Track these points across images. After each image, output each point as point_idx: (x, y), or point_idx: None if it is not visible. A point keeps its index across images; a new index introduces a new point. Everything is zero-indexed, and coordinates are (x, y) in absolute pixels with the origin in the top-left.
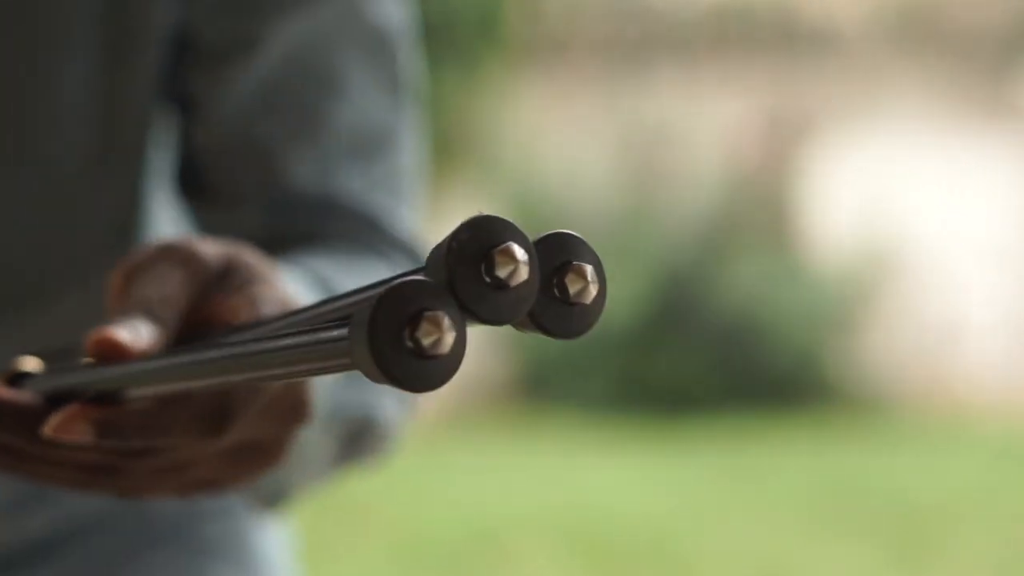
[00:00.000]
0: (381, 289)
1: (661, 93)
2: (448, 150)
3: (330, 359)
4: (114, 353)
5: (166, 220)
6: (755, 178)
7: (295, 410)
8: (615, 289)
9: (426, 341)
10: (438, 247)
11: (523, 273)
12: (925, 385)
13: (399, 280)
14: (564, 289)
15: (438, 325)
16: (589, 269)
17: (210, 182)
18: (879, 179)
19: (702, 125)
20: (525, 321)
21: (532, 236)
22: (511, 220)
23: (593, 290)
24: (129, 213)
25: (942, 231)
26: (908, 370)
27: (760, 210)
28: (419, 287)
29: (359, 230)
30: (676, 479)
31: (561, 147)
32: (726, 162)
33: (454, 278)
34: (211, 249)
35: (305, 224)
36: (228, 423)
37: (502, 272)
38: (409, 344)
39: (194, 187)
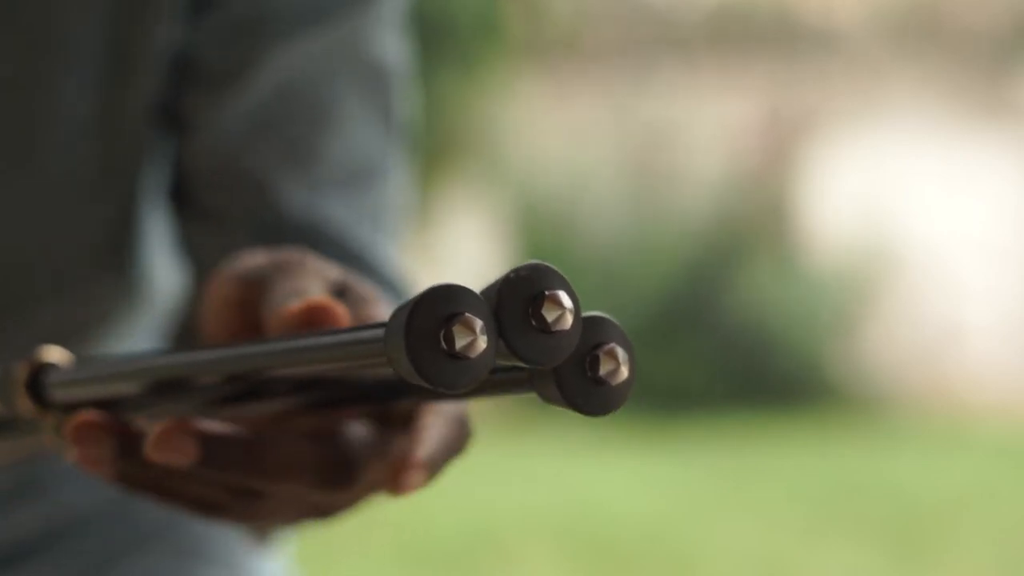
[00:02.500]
0: (426, 289)
1: (661, 93)
2: (448, 150)
3: (366, 356)
4: (325, 320)
5: (158, 236)
6: (756, 178)
7: (460, 437)
8: (616, 293)
9: (459, 342)
10: (494, 282)
11: (567, 321)
12: (925, 385)
13: (445, 282)
14: (596, 367)
15: (472, 328)
16: (622, 352)
17: (199, 202)
18: (879, 179)
19: (702, 125)
20: (552, 390)
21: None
22: (565, 275)
23: (624, 373)
24: (123, 227)
25: (942, 231)
26: (908, 370)
27: (761, 210)
28: (463, 292)
29: (345, 261)
30: (677, 479)
31: (562, 147)
32: (727, 162)
33: (502, 305)
34: (329, 265)
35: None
36: (352, 475)
37: (549, 315)
38: (443, 344)
39: (184, 205)
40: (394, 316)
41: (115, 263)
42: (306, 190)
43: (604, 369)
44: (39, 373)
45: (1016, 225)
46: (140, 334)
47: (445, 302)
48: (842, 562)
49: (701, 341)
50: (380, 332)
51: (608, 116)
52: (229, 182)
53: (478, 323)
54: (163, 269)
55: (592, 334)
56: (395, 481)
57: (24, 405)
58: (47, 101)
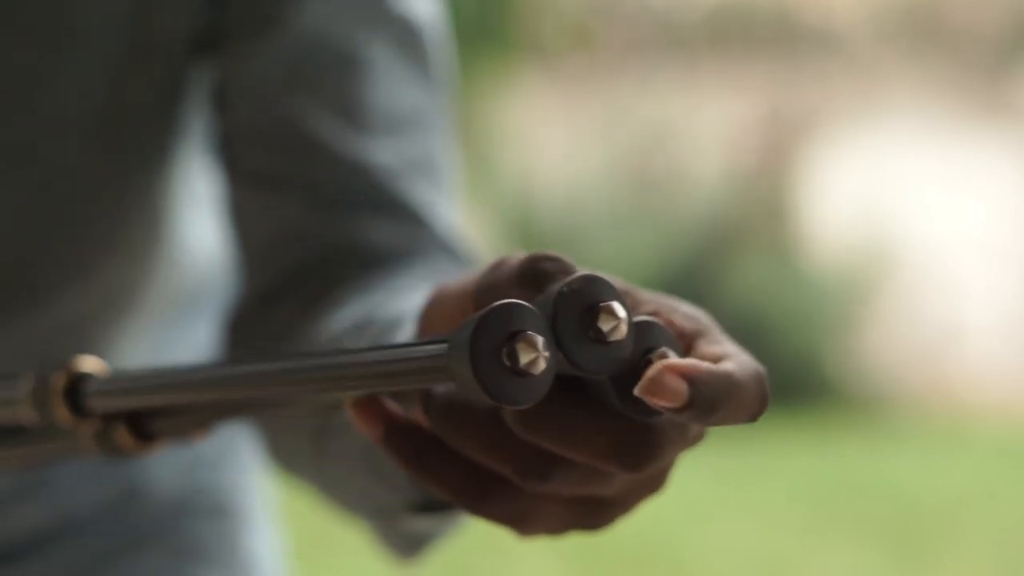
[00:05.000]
0: (487, 308)
1: (661, 93)
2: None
3: (426, 372)
4: None
5: (197, 218)
6: (755, 178)
7: (699, 432)
8: None
9: (523, 359)
10: (548, 292)
11: (623, 331)
12: (925, 385)
13: (505, 301)
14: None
15: (535, 346)
16: (673, 355)
17: (248, 167)
18: (879, 179)
19: (702, 125)
20: (611, 399)
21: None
22: (611, 282)
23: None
24: (137, 215)
25: (942, 231)
26: (908, 370)
27: (760, 210)
28: (523, 310)
29: (399, 215)
30: (677, 479)
31: (560, 147)
32: (726, 162)
33: (558, 318)
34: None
35: (348, 217)
36: (649, 455)
37: (605, 326)
38: (506, 361)
39: (233, 174)
40: (457, 333)
41: (126, 253)
42: (353, 138)
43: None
44: (77, 383)
45: (1016, 225)
46: (180, 314)
47: (508, 320)
48: (842, 562)
49: None
50: (441, 348)
51: (608, 116)
52: (275, 138)
53: (539, 340)
54: (200, 245)
55: (644, 339)
56: (647, 378)
57: (62, 414)
58: (56, 95)
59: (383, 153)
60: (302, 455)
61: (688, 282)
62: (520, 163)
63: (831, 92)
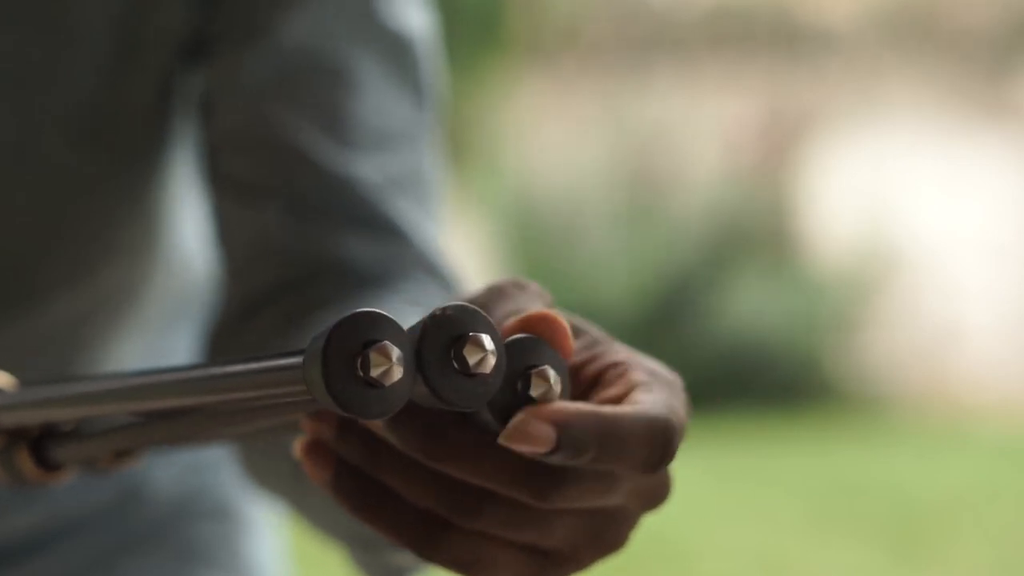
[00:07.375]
0: (342, 316)
1: (659, 93)
2: (445, 150)
3: (284, 384)
4: (545, 331)
5: (188, 221)
6: (754, 177)
7: (656, 490)
8: (615, 289)
9: (375, 369)
10: (421, 319)
11: (488, 365)
12: (925, 385)
13: (362, 309)
14: (527, 388)
15: (388, 356)
16: (552, 374)
17: (232, 175)
18: (878, 179)
19: (701, 125)
20: (484, 412)
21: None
22: (486, 316)
23: (556, 392)
24: (131, 218)
25: (942, 231)
26: (908, 370)
27: (759, 209)
28: (383, 320)
29: (384, 243)
30: (676, 479)
31: (558, 147)
32: (725, 162)
33: (425, 341)
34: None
35: (329, 232)
36: (562, 483)
37: (471, 357)
38: (359, 371)
39: (217, 182)
40: (313, 341)
41: (124, 253)
42: (338, 152)
43: (536, 392)
44: None
45: (1016, 225)
46: (171, 320)
47: (364, 328)
48: (842, 562)
49: (700, 341)
50: (299, 359)
51: (607, 116)
52: (259, 148)
53: (395, 352)
54: (193, 252)
55: (526, 356)
56: (511, 427)
57: None
58: (52, 95)
59: (367, 168)
60: (283, 478)
61: (687, 282)
62: (519, 163)
63: (831, 92)
